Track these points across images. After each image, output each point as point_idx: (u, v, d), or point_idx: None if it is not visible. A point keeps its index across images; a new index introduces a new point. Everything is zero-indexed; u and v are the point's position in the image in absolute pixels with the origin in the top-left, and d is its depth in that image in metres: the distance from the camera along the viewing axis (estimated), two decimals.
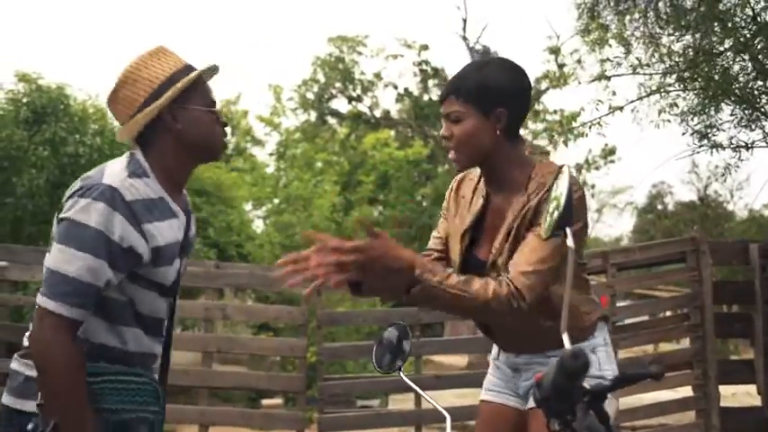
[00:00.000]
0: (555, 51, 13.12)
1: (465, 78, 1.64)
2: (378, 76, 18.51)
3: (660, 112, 5.21)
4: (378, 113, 18.87)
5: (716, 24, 4.56)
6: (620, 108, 5.52)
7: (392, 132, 19.28)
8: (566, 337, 1.05)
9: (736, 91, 4.62)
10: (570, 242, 1.10)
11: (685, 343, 4.72)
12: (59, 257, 1.39)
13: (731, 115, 4.81)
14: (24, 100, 8.73)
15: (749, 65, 4.66)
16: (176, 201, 1.55)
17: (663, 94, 5.21)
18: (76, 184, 1.45)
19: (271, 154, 20.80)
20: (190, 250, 1.63)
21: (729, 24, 4.50)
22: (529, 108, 1.72)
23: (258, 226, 16.25)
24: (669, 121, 5.16)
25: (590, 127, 5.69)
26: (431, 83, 18.33)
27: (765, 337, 4.37)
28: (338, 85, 18.59)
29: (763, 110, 4.72)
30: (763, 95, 4.73)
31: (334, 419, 4.12)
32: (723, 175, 5.22)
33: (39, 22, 44.87)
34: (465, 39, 15.23)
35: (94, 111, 9.14)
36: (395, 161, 17.86)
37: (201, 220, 12.26)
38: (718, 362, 4.39)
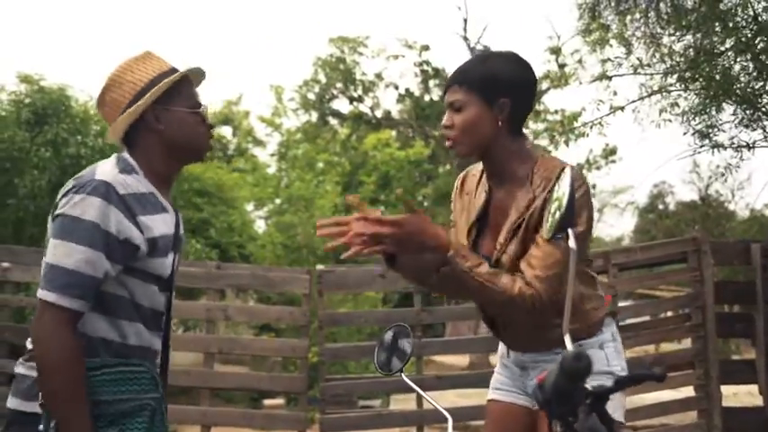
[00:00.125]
0: (556, 51, 13.13)
1: (469, 68, 1.65)
2: (379, 76, 18.51)
3: (661, 112, 5.22)
4: (379, 114, 18.87)
5: (717, 24, 4.56)
6: (622, 108, 5.53)
7: (393, 133, 19.29)
8: (567, 339, 1.06)
9: (737, 91, 4.61)
10: (572, 243, 1.10)
11: (687, 343, 4.71)
12: (58, 252, 1.41)
13: (732, 115, 4.81)
14: (26, 101, 8.75)
15: (750, 65, 4.66)
16: (165, 197, 1.59)
17: (664, 94, 5.21)
18: (70, 183, 1.48)
19: (272, 154, 20.83)
20: (181, 247, 1.66)
21: (730, 24, 4.50)
22: (533, 103, 1.71)
23: (260, 226, 16.27)
24: (670, 120, 5.16)
25: (591, 127, 5.70)
26: (432, 83, 18.32)
27: (767, 337, 4.36)
28: (339, 85, 18.60)
29: (764, 110, 4.72)
30: (764, 95, 4.73)
31: (336, 420, 4.12)
32: (724, 174, 5.23)
33: (40, 24, 44.93)
34: (466, 39, 15.24)
35: (96, 112, 9.15)
36: (396, 161, 17.87)
37: (203, 221, 12.27)
38: (719, 362, 4.39)
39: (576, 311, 1.62)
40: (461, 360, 13.89)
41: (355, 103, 18.75)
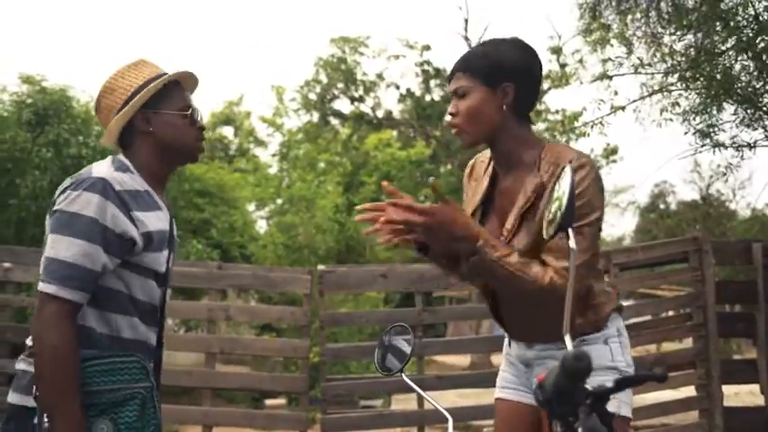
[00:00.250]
0: (557, 51, 13.13)
1: (472, 54, 1.65)
2: (380, 76, 18.51)
3: (662, 112, 5.20)
4: (380, 114, 18.87)
5: (718, 24, 4.55)
6: (622, 108, 5.51)
7: (394, 133, 19.28)
8: (568, 339, 1.05)
9: (738, 90, 4.60)
10: (572, 243, 1.10)
11: (688, 342, 4.71)
12: (57, 246, 1.46)
13: (733, 114, 4.80)
14: (28, 101, 8.76)
15: (751, 64, 4.65)
16: (160, 197, 1.64)
17: (665, 93, 5.20)
18: (67, 182, 1.54)
19: (273, 155, 20.86)
20: (175, 247, 1.70)
21: (731, 24, 4.50)
22: (538, 89, 1.68)
23: (261, 227, 16.30)
24: (671, 120, 5.15)
25: (592, 126, 5.69)
26: (433, 83, 18.32)
27: None
28: (340, 85, 18.59)
29: (765, 109, 4.71)
30: (765, 95, 4.72)
31: (337, 420, 4.13)
32: (725, 174, 5.21)
33: (42, 24, 44.96)
34: (467, 39, 15.23)
35: None
36: (397, 161, 17.87)
37: (204, 221, 12.28)
38: (720, 361, 4.39)
39: (586, 305, 1.62)
40: (463, 360, 13.89)
41: (356, 104, 18.75)
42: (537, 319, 1.65)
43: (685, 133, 4.94)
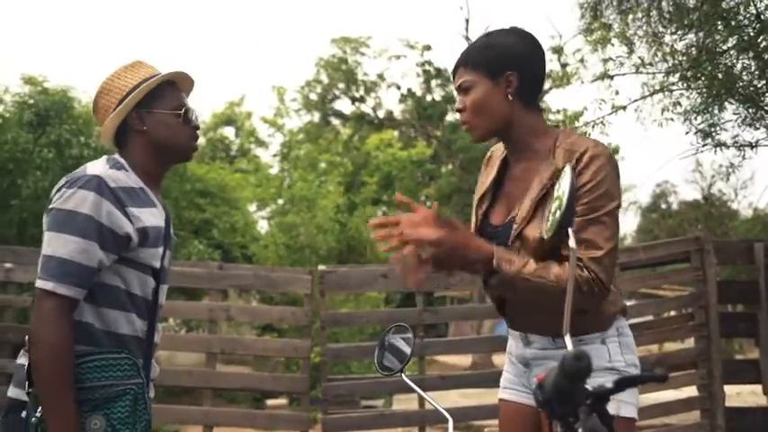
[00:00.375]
0: (558, 51, 13.10)
1: (472, 48, 1.64)
2: (381, 76, 18.52)
3: (663, 111, 5.19)
4: (381, 114, 18.87)
5: (719, 23, 4.54)
6: (624, 107, 5.51)
7: (395, 133, 19.28)
8: (568, 338, 1.05)
9: (740, 89, 4.59)
10: (572, 243, 1.09)
11: (690, 342, 4.70)
12: (53, 243, 1.49)
13: (735, 114, 4.79)
14: (30, 102, 8.77)
15: (752, 63, 4.64)
16: (155, 195, 1.67)
17: (666, 93, 5.19)
18: (63, 180, 1.57)
19: (274, 155, 20.87)
20: (171, 245, 1.72)
21: (733, 23, 4.49)
22: (543, 75, 1.67)
23: (262, 227, 16.29)
24: (672, 119, 5.14)
25: (593, 126, 5.67)
26: (434, 83, 18.32)
27: None
28: (341, 85, 18.61)
29: (766, 108, 4.70)
30: (767, 94, 4.71)
31: (338, 420, 4.12)
32: (727, 173, 5.20)
33: (44, 25, 45.01)
34: (468, 39, 15.22)
35: None
36: (398, 161, 17.87)
37: (205, 222, 12.28)
38: (722, 361, 4.37)
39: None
40: (464, 360, 13.88)
41: (357, 104, 18.75)
42: (542, 312, 1.62)
43: (687, 133, 4.93)
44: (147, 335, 1.61)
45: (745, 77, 4.66)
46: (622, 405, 1.56)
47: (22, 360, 1.53)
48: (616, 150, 16.86)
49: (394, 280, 4.20)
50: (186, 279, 4.26)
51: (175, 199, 11.12)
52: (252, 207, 16.49)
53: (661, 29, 5.04)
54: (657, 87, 5.25)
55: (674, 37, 4.96)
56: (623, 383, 0.94)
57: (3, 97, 9.10)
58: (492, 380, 4.24)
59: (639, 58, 5.24)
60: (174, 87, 1.70)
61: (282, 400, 9.21)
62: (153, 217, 1.60)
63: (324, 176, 16.61)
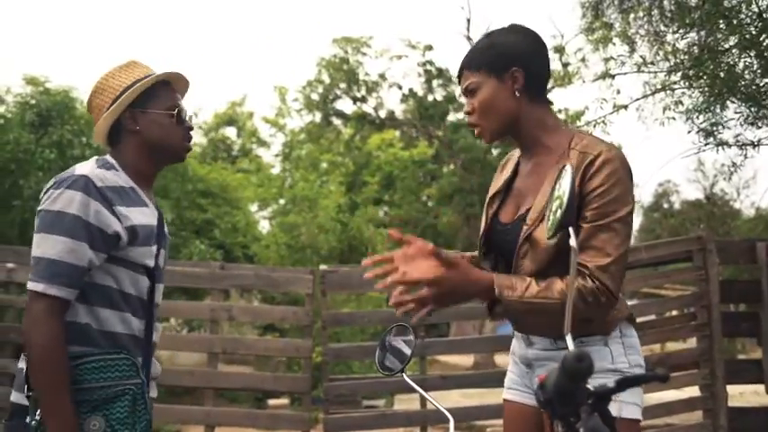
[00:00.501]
0: (559, 50, 13.08)
1: (474, 49, 1.64)
2: (382, 76, 18.50)
3: (665, 110, 5.18)
4: (382, 114, 18.87)
5: (721, 21, 4.53)
6: (625, 106, 5.50)
7: (397, 133, 19.27)
8: (569, 338, 1.04)
9: (742, 88, 4.58)
10: (573, 242, 1.09)
11: (692, 342, 4.69)
12: (42, 245, 1.50)
13: (737, 113, 4.77)
14: (32, 103, 8.79)
15: (755, 62, 4.62)
16: (147, 195, 1.67)
17: (668, 91, 5.18)
18: (50, 182, 1.57)
19: (276, 155, 20.88)
20: (165, 244, 1.72)
21: (735, 21, 4.47)
22: (548, 68, 1.65)
23: (264, 227, 16.29)
24: (674, 119, 5.13)
25: (595, 125, 5.66)
26: (435, 83, 18.31)
27: None
28: (343, 85, 18.60)
29: None
30: None
31: (340, 420, 4.12)
32: (729, 173, 5.19)
33: (46, 25, 45.08)
34: (469, 39, 15.21)
35: None
36: (400, 161, 17.86)
37: (207, 222, 12.29)
38: (725, 361, 4.36)
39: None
40: (466, 360, 13.88)
41: (359, 104, 18.75)
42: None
43: (689, 132, 4.92)
44: (145, 334, 1.60)
45: (747, 76, 4.64)
46: (624, 406, 1.55)
47: (22, 364, 1.53)
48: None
49: None
50: (188, 279, 4.27)
51: (177, 199, 11.12)
52: (253, 207, 16.49)
53: (662, 28, 5.03)
54: (659, 86, 5.25)
55: (676, 36, 4.95)
56: (624, 383, 0.94)
57: (5, 98, 9.12)
58: (494, 380, 4.25)
59: (641, 57, 5.23)
60: (168, 88, 1.70)
61: (284, 400, 9.21)
62: (143, 216, 1.59)
63: (325, 176, 16.61)
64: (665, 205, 24.45)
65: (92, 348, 1.50)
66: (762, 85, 4.63)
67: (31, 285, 1.48)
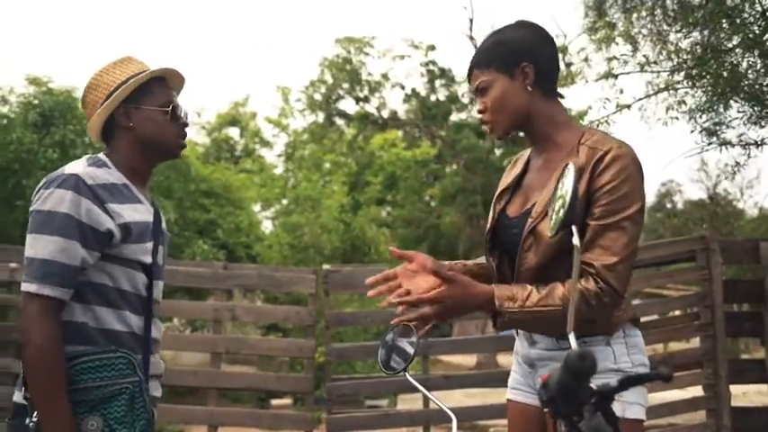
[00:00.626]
0: (562, 50, 13.06)
1: (482, 48, 1.63)
2: (385, 76, 18.51)
3: (668, 110, 5.17)
4: (385, 114, 18.87)
5: (724, 21, 4.52)
6: (628, 106, 5.49)
7: (400, 133, 19.28)
8: (572, 337, 1.04)
9: (745, 88, 4.57)
10: (576, 240, 1.08)
11: (695, 342, 4.68)
12: (34, 245, 1.50)
13: (740, 112, 4.76)
14: (34, 103, 8.80)
15: (758, 61, 4.62)
16: (141, 192, 1.65)
17: (671, 91, 5.18)
18: (41, 182, 1.56)
19: (279, 155, 20.89)
20: (163, 240, 1.70)
21: (738, 21, 4.46)
22: (557, 61, 1.65)
23: (266, 227, 16.29)
24: (677, 118, 5.12)
25: (597, 125, 5.65)
26: (438, 83, 18.31)
27: None
28: (345, 85, 18.61)
29: None
30: None
31: (343, 420, 4.12)
32: (732, 172, 5.18)
33: (48, 25, 45.19)
34: (472, 39, 15.22)
35: None
36: (402, 161, 17.86)
37: (210, 222, 12.30)
38: (728, 361, 4.36)
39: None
40: (469, 360, 13.87)
41: (361, 104, 18.76)
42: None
43: (692, 131, 4.91)
44: (145, 331, 1.59)
45: (750, 75, 4.63)
46: (627, 406, 1.54)
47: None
48: None
49: None
50: (191, 279, 4.27)
51: (180, 199, 11.13)
52: (256, 207, 16.50)
53: (665, 27, 5.02)
54: (662, 86, 5.24)
55: (679, 35, 4.95)
56: (628, 382, 0.94)
57: (8, 98, 9.14)
58: (496, 380, 4.25)
59: (644, 56, 5.22)
60: (163, 84, 1.68)
61: (287, 400, 9.21)
62: (136, 213, 1.58)
63: (328, 176, 16.61)
64: (668, 205, 24.39)
65: (90, 347, 1.49)
66: (765, 84, 4.62)
67: (24, 286, 1.48)
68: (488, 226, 1.71)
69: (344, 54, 18.52)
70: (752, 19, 4.52)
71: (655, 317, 5.02)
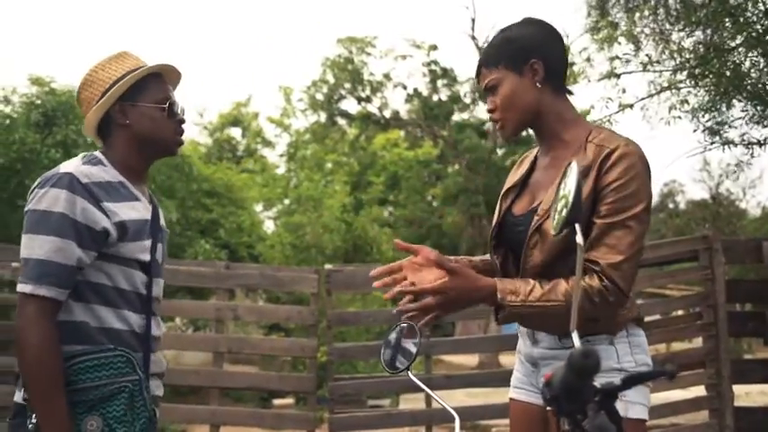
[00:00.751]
0: (564, 50, 13.08)
1: (490, 47, 1.63)
2: (387, 76, 18.51)
3: (670, 110, 5.16)
4: (387, 114, 18.87)
5: (727, 20, 4.51)
6: (630, 106, 5.48)
7: (402, 133, 19.28)
8: (575, 336, 1.04)
9: (748, 87, 4.56)
10: (579, 239, 1.08)
11: (698, 342, 4.67)
12: (29, 245, 1.47)
13: (743, 112, 4.75)
14: (37, 103, 8.82)
15: (761, 60, 4.60)
16: (139, 189, 1.63)
17: (673, 90, 5.16)
18: (37, 181, 1.55)
19: (281, 155, 20.90)
20: (162, 237, 1.69)
21: (741, 20, 4.45)
22: (566, 58, 1.65)
23: (269, 227, 16.30)
24: (680, 118, 5.10)
25: (600, 125, 5.65)
26: (440, 83, 18.30)
27: None
28: (347, 85, 18.61)
29: None
30: None
31: (345, 419, 4.12)
32: (735, 172, 5.17)
33: (51, 25, 45.26)
34: (474, 38, 15.21)
35: None
36: (404, 161, 17.86)
37: (212, 221, 12.32)
38: (731, 361, 4.35)
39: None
40: (471, 359, 13.87)
41: (363, 104, 18.76)
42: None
43: (694, 131, 4.90)
44: (145, 329, 1.58)
45: (753, 75, 4.62)
46: (630, 406, 1.54)
47: None
48: None
49: None
50: (193, 279, 4.27)
51: (182, 199, 11.14)
52: (258, 207, 16.51)
53: (668, 26, 5.01)
54: (664, 85, 5.23)
55: (682, 34, 4.93)
56: (632, 380, 0.93)
57: (10, 98, 9.15)
58: (499, 379, 4.25)
59: (646, 55, 5.21)
60: (159, 80, 1.65)
61: (289, 400, 9.21)
62: (133, 211, 1.56)
63: (330, 176, 16.62)
64: (671, 205, 24.36)
65: (89, 346, 1.48)
66: None
67: (20, 287, 1.46)
68: (494, 223, 1.71)
69: (346, 54, 18.52)
70: (755, 18, 4.51)
71: (657, 317, 5.02)
